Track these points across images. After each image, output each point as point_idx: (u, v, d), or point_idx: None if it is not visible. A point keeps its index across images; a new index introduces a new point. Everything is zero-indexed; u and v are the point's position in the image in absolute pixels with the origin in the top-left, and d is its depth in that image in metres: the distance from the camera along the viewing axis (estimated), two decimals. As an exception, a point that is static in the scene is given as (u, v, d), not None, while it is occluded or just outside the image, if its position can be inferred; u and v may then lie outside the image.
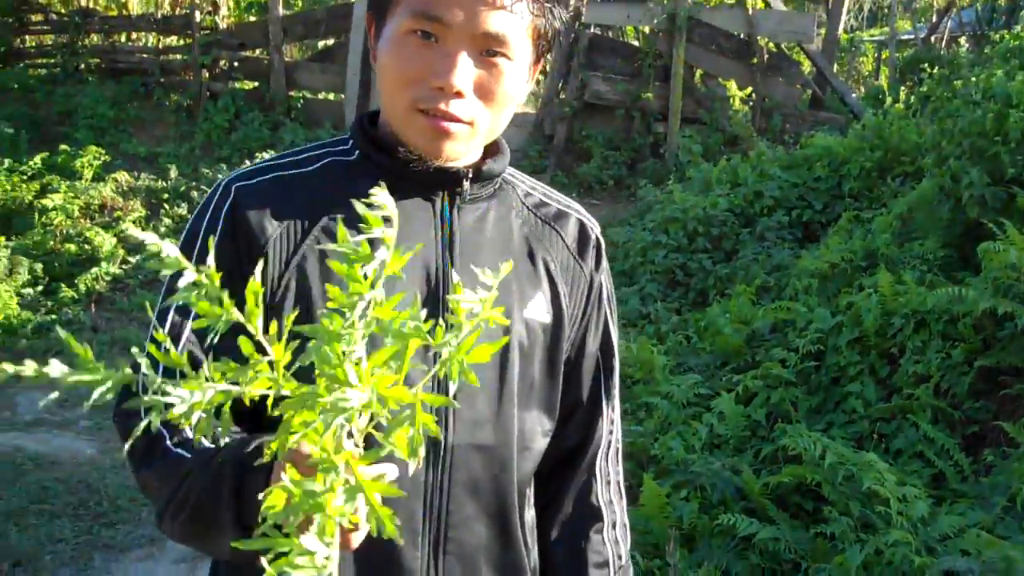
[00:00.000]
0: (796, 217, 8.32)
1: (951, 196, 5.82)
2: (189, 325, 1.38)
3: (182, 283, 0.81)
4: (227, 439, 1.31)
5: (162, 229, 9.96)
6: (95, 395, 0.76)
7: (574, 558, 1.63)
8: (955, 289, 4.78)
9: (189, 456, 1.30)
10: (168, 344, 1.43)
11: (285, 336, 0.84)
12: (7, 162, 10.22)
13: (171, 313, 1.39)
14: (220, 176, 1.68)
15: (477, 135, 1.41)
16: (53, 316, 8.10)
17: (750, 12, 12.26)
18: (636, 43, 13.78)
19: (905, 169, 7.90)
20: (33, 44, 14.63)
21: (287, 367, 0.83)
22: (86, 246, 9.16)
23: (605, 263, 1.65)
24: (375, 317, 0.83)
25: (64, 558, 4.62)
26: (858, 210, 7.64)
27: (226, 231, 1.41)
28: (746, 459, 4.67)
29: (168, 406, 0.78)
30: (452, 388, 0.89)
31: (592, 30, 13.25)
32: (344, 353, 0.81)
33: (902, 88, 12.54)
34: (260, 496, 0.83)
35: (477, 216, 1.50)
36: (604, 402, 1.66)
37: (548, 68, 12.98)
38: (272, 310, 1.38)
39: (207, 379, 0.79)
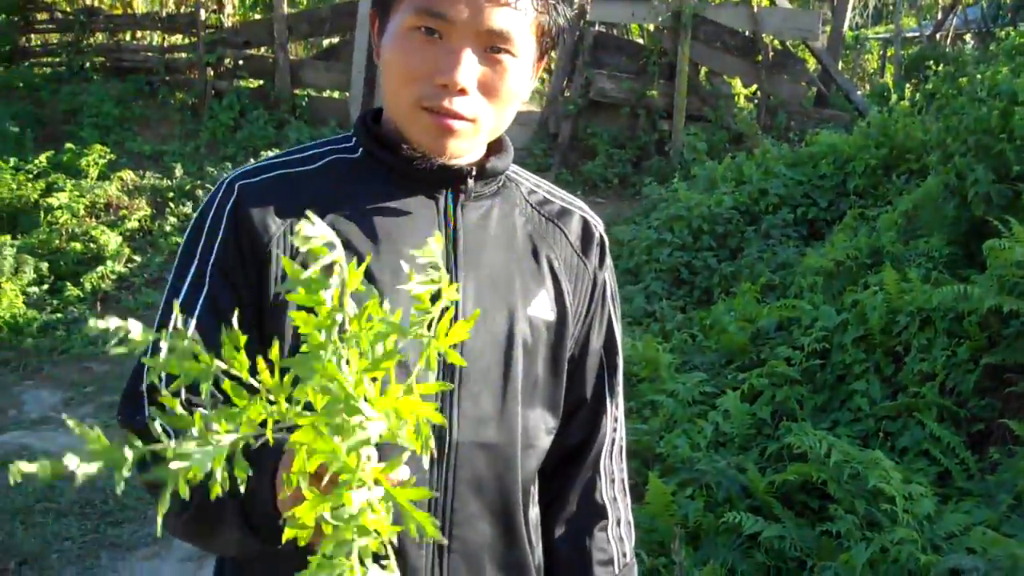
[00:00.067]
0: (801, 215, 8.30)
1: (956, 193, 5.81)
2: (193, 323, 1.38)
3: (161, 352, 0.81)
4: None
5: (167, 228, 9.97)
6: (117, 479, 0.76)
7: (578, 556, 1.63)
8: (960, 287, 4.77)
9: None
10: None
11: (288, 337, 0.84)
12: (13, 161, 10.24)
13: (175, 311, 1.39)
14: (225, 174, 1.68)
15: (481, 132, 1.41)
16: (59, 315, 8.12)
17: (755, 9, 12.24)
18: (641, 41, 13.75)
19: (910, 166, 7.89)
20: (38, 43, 14.65)
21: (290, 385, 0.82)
22: (92, 245, 9.18)
23: (609, 260, 1.64)
24: (353, 333, 0.82)
25: (71, 556, 4.63)
26: (863, 208, 7.63)
27: (229, 229, 1.41)
28: (751, 457, 4.66)
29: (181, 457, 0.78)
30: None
31: (597, 28, 13.24)
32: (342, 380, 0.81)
33: (907, 85, 12.53)
34: (283, 518, 0.84)
35: (481, 214, 1.49)
36: (608, 400, 1.65)
37: (553, 66, 12.98)
38: (275, 309, 1.38)
39: (211, 429, 0.79)
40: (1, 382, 6.99)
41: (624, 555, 1.68)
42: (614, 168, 11.98)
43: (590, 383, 1.64)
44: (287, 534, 0.85)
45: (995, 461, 4.27)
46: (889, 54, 19.58)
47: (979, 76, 6.53)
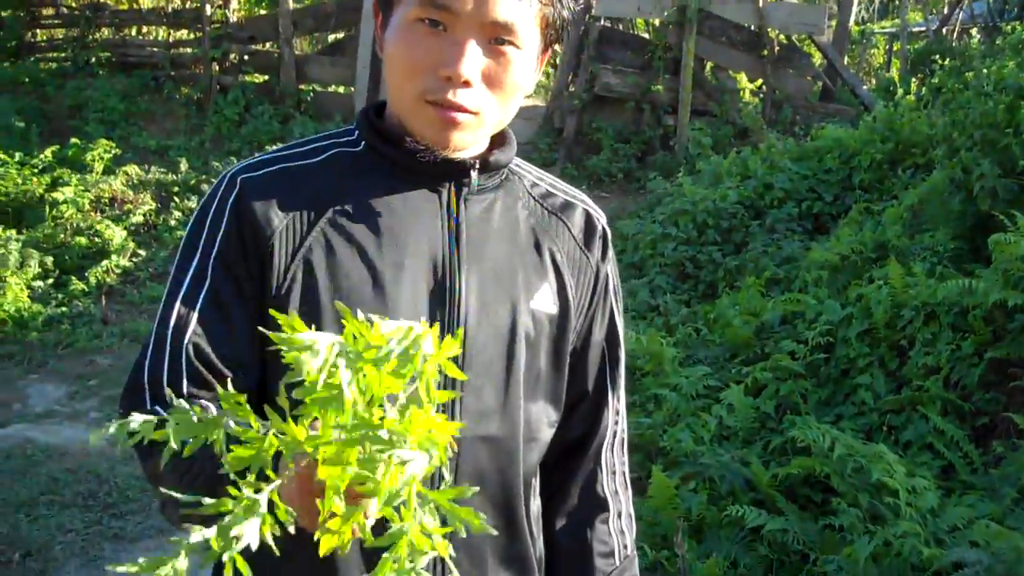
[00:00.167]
0: (806, 209, 8.29)
1: (962, 188, 5.81)
2: (195, 317, 1.39)
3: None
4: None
5: (172, 222, 9.98)
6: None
7: (579, 548, 1.64)
8: (965, 281, 4.77)
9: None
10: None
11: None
12: (18, 155, 10.24)
13: (177, 304, 1.40)
14: (227, 168, 1.68)
15: (485, 125, 1.40)
16: (64, 309, 8.12)
17: (760, 4, 12.21)
18: (646, 36, 13.74)
19: (916, 161, 7.88)
20: (44, 38, 14.66)
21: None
22: (96, 239, 9.18)
23: (611, 254, 1.64)
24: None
25: (74, 549, 4.64)
26: (868, 202, 7.62)
27: (232, 222, 1.41)
28: (755, 451, 4.66)
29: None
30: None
31: (602, 23, 13.21)
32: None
33: (913, 80, 12.48)
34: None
35: (484, 207, 1.49)
36: (610, 393, 1.65)
37: (558, 61, 12.97)
38: (277, 303, 1.38)
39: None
40: (6, 376, 7.00)
41: (625, 547, 1.68)
42: (619, 163, 11.97)
43: (592, 376, 1.64)
44: (325, 546, 0.90)
45: (999, 455, 4.27)
46: (895, 48, 19.53)
47: (985, 71, 6.52)
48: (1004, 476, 4.07)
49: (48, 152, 10.47)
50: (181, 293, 1.40)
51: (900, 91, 10.65)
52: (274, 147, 1.54)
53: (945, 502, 3.85)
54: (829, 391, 5.13)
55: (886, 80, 14.31)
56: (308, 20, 13.63)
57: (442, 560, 1.44)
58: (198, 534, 0.80)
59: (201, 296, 1.39)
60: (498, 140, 1.52)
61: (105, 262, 8.89)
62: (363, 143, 1.48)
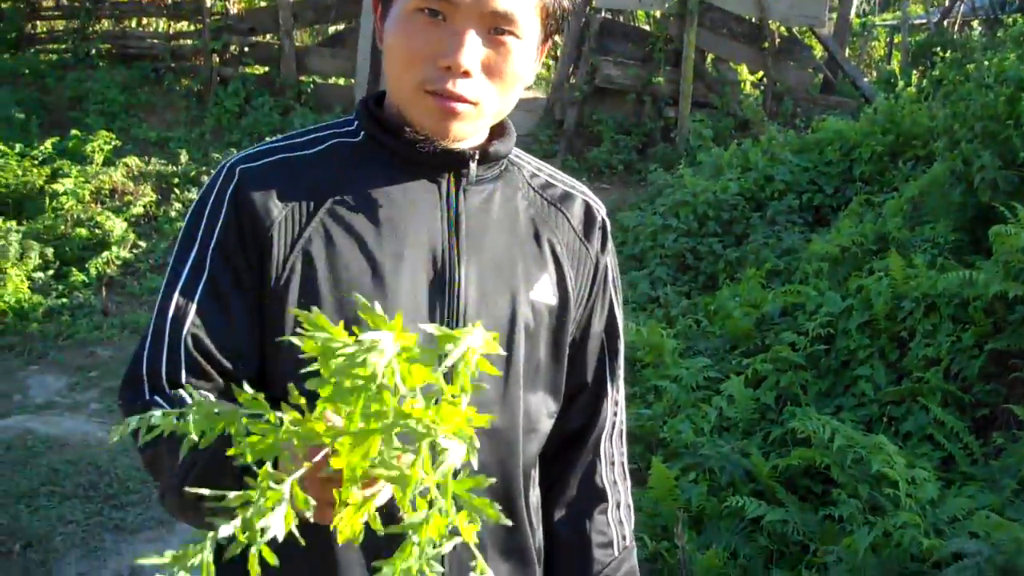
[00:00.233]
0: (807, 201, 8.29)
1: (962, 180, 5.80)
2: (193, 308, 1.38)
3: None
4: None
5: (172, 213, 9.98)
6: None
7: (578, 539, 1.64)
8: (966, 273, 4.77)
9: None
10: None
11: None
12: (18, 147, 10.22)
13: (175, 296, 1.39)
14: (225, 158, 1.67)
15: (484, 115, 1.40)
16: (64, 300, 8.12)
17: (761, -4, 12.21)
18: (647, 27, 13.71)
19: (916, 153, 7.87)
20: (44, 30, 14.62)
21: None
22: (97, 230, 9.18)
23: (611, 245, 1.64)
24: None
25: (75, 540, 4.64)
26: (869, 194, 7.61)
27: (230, 213, 1.40)
28: (755, 442, 4.67)
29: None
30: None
31: (603, 14, 13.19)
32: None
33: (914, 72, 12.47)
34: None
35: (483, 198, 1.49)
36: (609, 384, 1.66)
37: (559, 53, 12.96)
38: (276, 294, 1.38)
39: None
40: (6, 367, 7.00)
41: (624, 538, 1.68)
42: (620, 154, 11.96)
43: (591, 367, 1.64)
44: (343, 536, 0.89)
45: (999, 446, 4.27)
46: (896, 41, 19.49)
47: (986, 63, 6.51)
48: (1004, 467, 4.07)
49: (48, 143, 10.45)
50: (179, 284, 1.40)
51: (901, 83, 10.63)
52: (273, 137, 1.54)
53: (945, 493, 3.85)
54: (829, 382, 5.13)
55: (887, 72, 14.30)
56: (308, 12, 13.61)
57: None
58: (226, 527, 0.81)
59: (200, 287, 1.39)
60: (497, 131, 1.51)
61: (105, 253, 8.89)
62: (362, 133, 1.48)
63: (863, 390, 4.86)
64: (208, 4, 13.23)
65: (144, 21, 14.82)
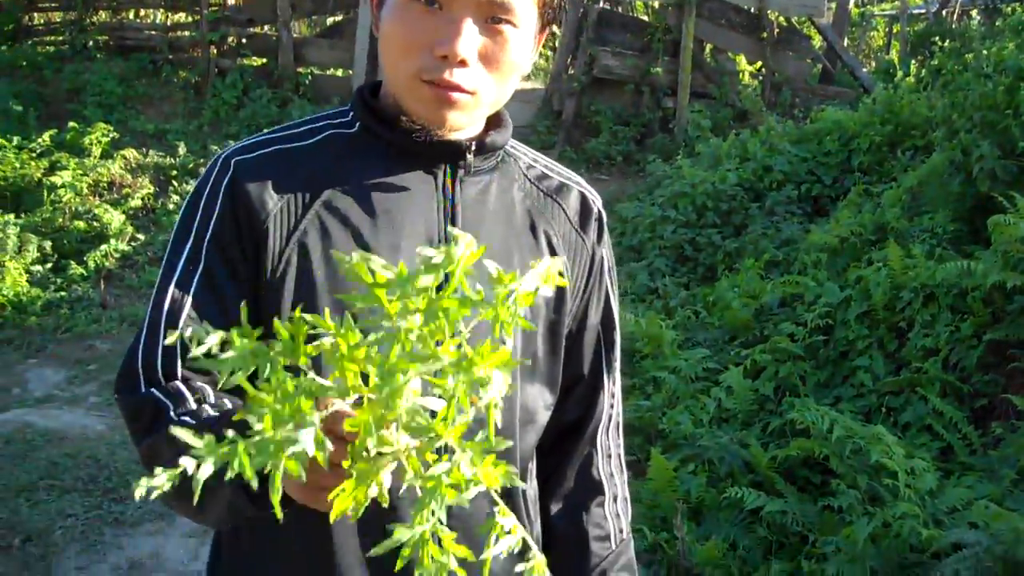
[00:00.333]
0: (805, 191, 8.30)
1: (961, 169, 5.80)
2: (189, 301, 1.38)
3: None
4: (231, 405, 1.31)
5: (170, 206, 9.97)
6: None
7: (576, 531, 1.64)
8: (964, 263, 4.77)
9: (194, 422, 1.29)
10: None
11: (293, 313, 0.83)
12: (16, 139, 10.20)
13: (171, 288, 1.39)
14: (220, 150, 1.66)
15: (481, 105, 1.39)
16: (62, 293, 8.11)
17: (760, -14, 12.19)
18: (645, 18, 13.69)
19: (915, 143, 7.87)
20: (41, 21, 14.59)
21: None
22: (95, 223, 9.16)
23: (607, 236, 1.63)
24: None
25: (74, 533, 4.64)
26: (868, 184, 7.61)
27: (226, 205, 1.39)
28: (754, 433, 4.67)
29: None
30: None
31: (601, 4, 13.18)
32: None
33: (913, 62, 12.46)
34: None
35: (479, 189, 1.48)
36: (605, 375, 1.65)
37: (557, 43, 12.93)
38: (272, 286, 1.38)
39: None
40: (5, 360, 7.00)
41: (621, 531, 1.68)
42: (618, 145, 11.95)
43: (588, 359, 1.64)
44: (337, 509, 0.86)
45: (998, 436, 4.27)
46: (895, 31, 19.48)
47: (985, 52, 6.51)
48: (1003, 457, 4.07)
49: (46, 136, 10.43)
50: (175, 277, 1.39)
51: (900, 73, 10.64)
52: (268, 129, 1.53)
53: (944, 483, 3.86)
54: (828, 373, 5.14)
55: (886, 62, 14.28)
56: (306, 3, 13.58)
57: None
58: (239, 443, 0.74)
59: (195, 279, 1.38)
60: (494, 122, 1.50)
61: (104, 246, 8.88)
62: (358, 124, 1.47)
63: (862, 380, 4.86)
64: (205, -5, 13.21)
65: (141, 12, 14.80)
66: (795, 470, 4.28)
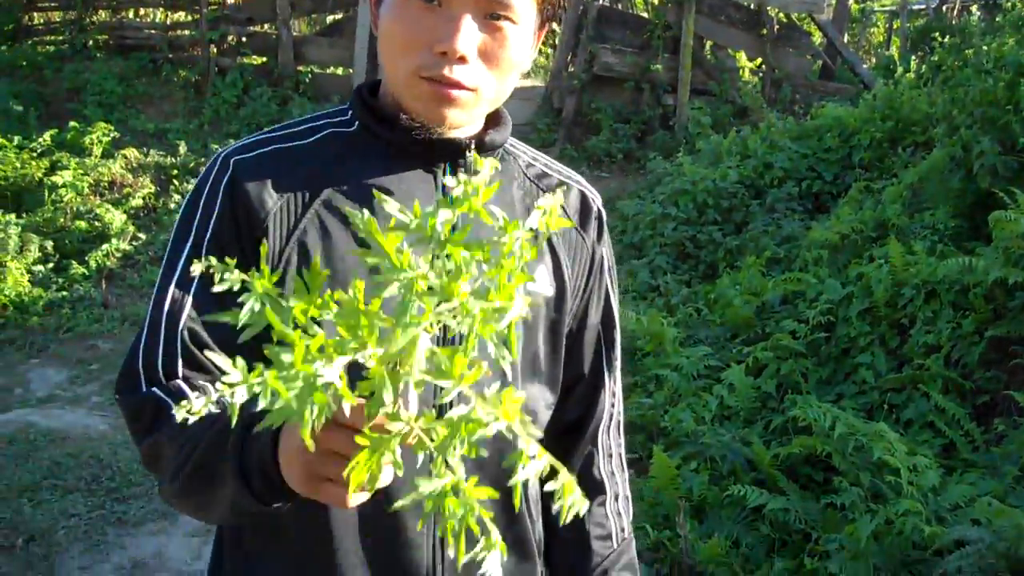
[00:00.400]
0: (806, 188, 8.29)
1: (962, 166, 5.79)
2: (189, 301, 1.38)
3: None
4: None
5: (171, 205, 9.97)
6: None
7: (577, 531, 1.63)
8: (966, 259, 4.76)
9: (196, 418, 1.29)
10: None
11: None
12: (16, 139, 10.20)
13: (171, 288, 1.39)
14: (219, 148, 1.66)
15: (481, 102, 1.38)
16: (64, 293, 8.11)
17: (760, -18, 12.18)
18: (645, 15, 13.68)
19: (916, 139, 7.87)
20: (41, 21, 14.59)
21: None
22: (96, 223, 9.16)
23: (607, 235, 1.63)
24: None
25: (77, 533, 4.65)
26: (868, 180, 7.61)
27: (225, 204, 1.39)
28: (756, 430, 4.67)
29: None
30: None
31: (601, 2, 13.18)
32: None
33: (913, 58, 12.45)
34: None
35: (479, 187, 1.47)
36: (606, 374, 1.65)
37: (557, 41, 12.93)
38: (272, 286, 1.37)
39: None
40: (7, 361, 7.00)
41: (622, 530, 1.68)
42: (618, 143, 11.94)
43: (588, 358, 1.63)
44: (354, 482, 0.86)
45: (1000, 433, 4.27)
46: (895, 27, 19.45)
47: (985, 48, 6.50)
48: (1005, 454, 4.07)
49: (47, 136, 10.44)
50: (175, 276, 1.39)
51: (900, 69, 10.63)
52: (268, 127, 1.52)
53: (946, 480, 3.85)
54: (830, 370, 5.13)
55: (886, 58, 14.27)
56: (306, 1, 13.58)
57: (441, 538, 1.44)
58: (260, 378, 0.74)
59: (195, 279, 1.38)
60: (493, 120, 1.50)
61: (105, 246, 8.88)
62: (357, 123, 1.47)
63: (864, 377, 4.86)
64: (205, -6, 13.21)
65: (141, 12, 14.79)
66: (797, 467, 4.28)
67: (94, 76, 12.64)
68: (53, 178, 9.58)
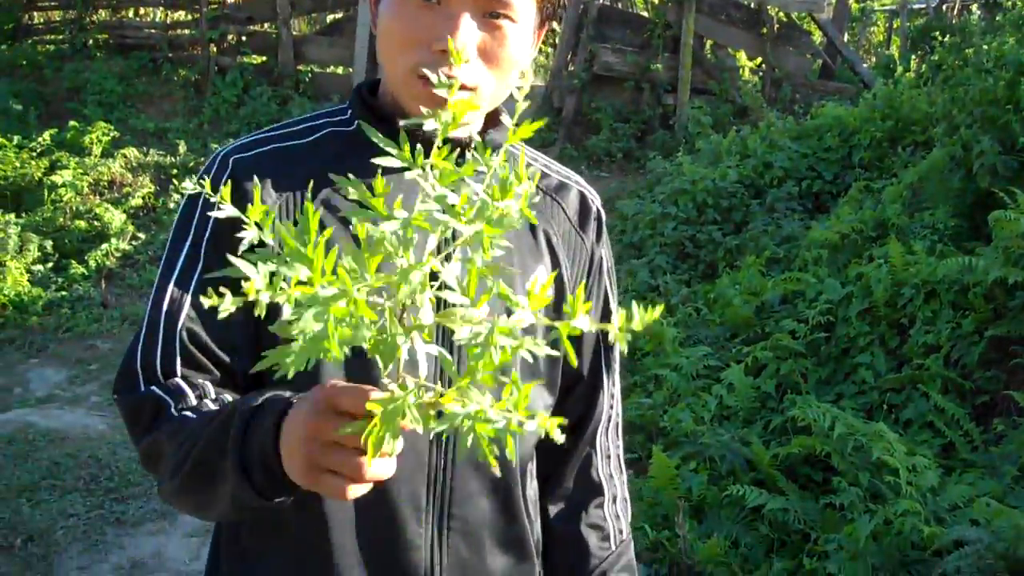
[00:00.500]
0: (806, 188, 8.28)
1: (962, 165, 5.79)
2: (188, 301, 1.37)
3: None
4: (230, 399, 1.31)
5: (171, 205, 9.97)
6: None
7: (575, 533, 1.63)
8: (966, 259, 4.76)
9: (195, 416, 1.29)
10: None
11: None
12: (16, 139, 10.20)
13: (170, 287, 1.38)
14: (218, 148, 1.66)
15: (480, 101, 1.38)
16: (64, 293, 8.11)
17: (760, -19, 12.18)
18: (645, 14, 13.67)
19: (916, 138, 7.86)
20: (41, 20, 14.59)
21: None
22: (96, 222, 9.16)
23: (606, 235, 1.63)
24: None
25: (76, 533, 4.64)
26: (868, 180, 7.60)
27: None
28: (755, 430, 4.66)
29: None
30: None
31: (601, 1, 13.16)
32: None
33: (913, 57, 12.45)
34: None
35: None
36: (605, 376, 1.64)
37: (557, 40, 12.92)
38: None
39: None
40: (6, 360, 7.00)
41: (621, 531, 1.68)
42: (618, 142, 11.93)
43: (587, 360, 1.63)
44: (371, 453, 0.88)
45: (1000, 433, 4.27)
46: (895, 26, 19.44)
47: (985, 47, 6.49)
48: (1004, 454, 4.07)
49: (46, 135, 10.44)
50: (174, 276, 1.39)
51: (900, 69, 10.63)
52: (267, 127, 1.52)
53: (945, 480, 3.85)
54: (829, 370, 5.13)
55: (886, 58, 14.27)
56: (306, 0, 13.58)
57: (440, 537, 1.44)
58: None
59: (194, 279, 1.38)
60: (492, 119, 1.50)
61: (105, 245, 8.88)
62: (356, 122, 1.46)
63: (863, 377, 4.85)
64: (205, -7, 13.20)
65: (141, 11, 14.78)
66: (796, 468, 4.28)
67: (94, 75, 12.64)
68: (53, 177, 9.58)
